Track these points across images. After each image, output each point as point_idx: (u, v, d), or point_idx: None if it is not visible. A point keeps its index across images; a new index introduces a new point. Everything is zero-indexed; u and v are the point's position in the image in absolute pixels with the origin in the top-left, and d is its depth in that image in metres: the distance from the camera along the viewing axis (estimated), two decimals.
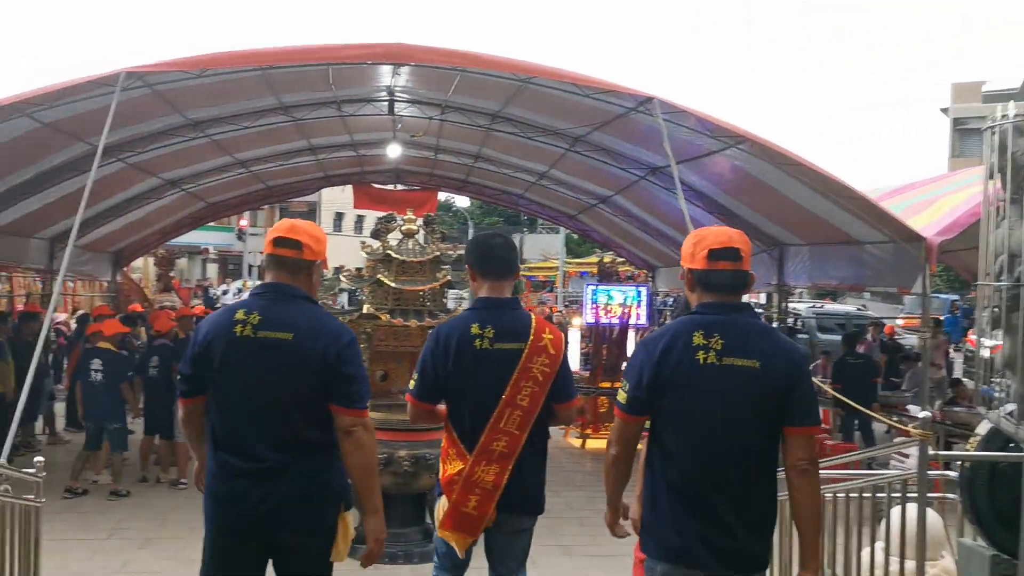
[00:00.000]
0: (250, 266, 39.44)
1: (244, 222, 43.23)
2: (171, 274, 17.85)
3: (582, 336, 15.68)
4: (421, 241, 7.95)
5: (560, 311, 25.14)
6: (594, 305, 13.91)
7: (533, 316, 3.87)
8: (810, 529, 3.04)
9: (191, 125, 10.70)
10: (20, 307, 14.21)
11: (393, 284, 7.50)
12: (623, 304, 13.53)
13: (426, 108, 11.39)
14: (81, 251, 14.35)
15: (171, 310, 15.98)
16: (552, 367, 3.71)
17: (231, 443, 3.27)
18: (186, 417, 3.51)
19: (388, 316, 7.38)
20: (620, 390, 3.16)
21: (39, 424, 12.25)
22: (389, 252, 7.65)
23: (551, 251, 51.35)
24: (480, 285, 3.89)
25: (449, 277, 7.60)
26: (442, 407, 3.86)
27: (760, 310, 14.67)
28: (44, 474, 5.26)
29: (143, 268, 19.09)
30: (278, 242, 3.38)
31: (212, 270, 52.31)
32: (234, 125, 10.91)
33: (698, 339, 2.97)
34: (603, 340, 13.47)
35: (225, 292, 36.42)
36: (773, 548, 3.44)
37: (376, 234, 7.90)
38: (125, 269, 17.05)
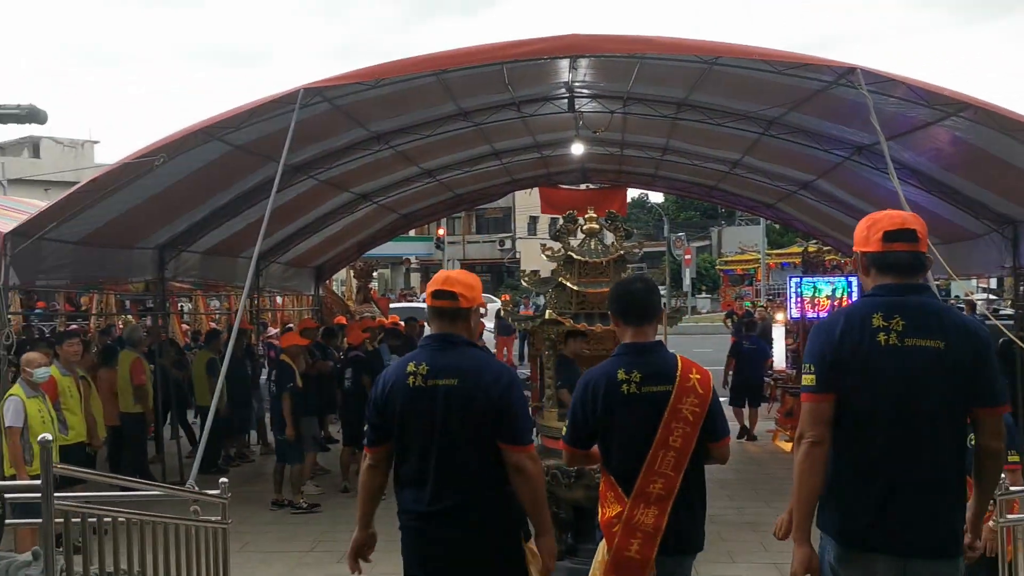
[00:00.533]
0: None
1: (442, 231, 44.39)
2: (370, 285, 18.29)
3: (787, 331, 14.71)
4: (605, 241, 7.53)
5: (762, 305, 23.96)
6: (799, 298, 12.98)
7: (679, 357, 3.79)
8: (983, 509, 3.17)
9: (375, 137, 10.79)
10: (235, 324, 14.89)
11: (575, 287, 7.11)
12: (831, 296, 12.53)
13: (607, 102, 10.96)
14: (284, 267, 14.97)
15: (370, 320, 16.49)
16: (702, 407, 3.66)
17: (415, 485, 3.56)
18: (372, 465, 3.73)
19: (571, 321, 7.00)
20: (804, 375, 3.12)
21: (253, 435, 12.82)
22: (570, 253, 7.28)
23: (750, 243, 49.50)
24: (624, 331, 3.88)
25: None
26: (596, 449, 3.88)
27: (993, 296, 13.14)
28: (229, 495, 5.25)
29: (346, 280, 19.74)
30: (436, 295, 3.61)
31: (415, 279, 54.12)
32: (416, 135, 10.92)
33: (877, 321, 2.95)
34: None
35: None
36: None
37: (557, 235, 7.55)
38: (327, 283, 17.67)
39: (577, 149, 12.79)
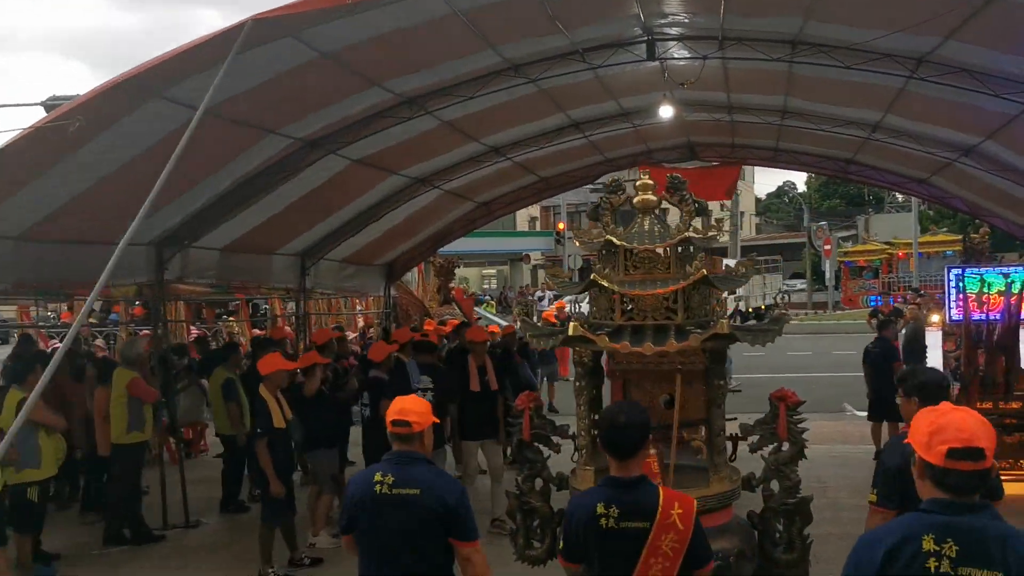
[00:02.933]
0: (570, 269, 37.88)
1: (562, 225, 42.13)
2: (451, 284, 16.29)
3: (945, 335, 11.79)
4: (667, 221, 5.19)
5: (918, 300, 20.44)
6: (961, 295, 10.11)
7: (661, 491, 3.71)
8: None
9: (404, 101, 8.69)
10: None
11: (614, 287, 4.79)
12: (1007, 291, 9.64)
13: (698, 44, 8.49)
14: (340, 265, 13.13)
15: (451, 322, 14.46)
16: (682, 542, 3.60)
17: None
18: (346, 549, 4.43)
19: (608, 338, 4.67)
20: None
21: None
22: (610, 238, 4.95)
23: (902, 232, 45.26)
24: (609, 461, 3.80)
25: (704, 271, 4.71)
26: None
27: None
28: None
29: (418, 279, 17.78)
30: (394, 423, 4.20)
31: (542, 276, 52.00)
32: (455, 96, 8.76)
33: (928, 544, 2.65)
34: (978, 342, 9.64)
35: (541, 298, 35.36)
36: None
37: (596, 213, 5.25)
38: (401, 282, 15.77)
39: (666, 112, 10.28)
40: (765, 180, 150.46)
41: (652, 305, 4.89)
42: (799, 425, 5.05)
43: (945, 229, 39.19)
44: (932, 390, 4.47)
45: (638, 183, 5.19)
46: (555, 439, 5.38)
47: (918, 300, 15.98)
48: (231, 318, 18.07)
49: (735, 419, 5.26)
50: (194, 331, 17.32)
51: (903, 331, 12.63)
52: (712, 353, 4.88)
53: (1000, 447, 8.95)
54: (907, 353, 11.47)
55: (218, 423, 9.93)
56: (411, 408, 4.21)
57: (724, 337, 4.65)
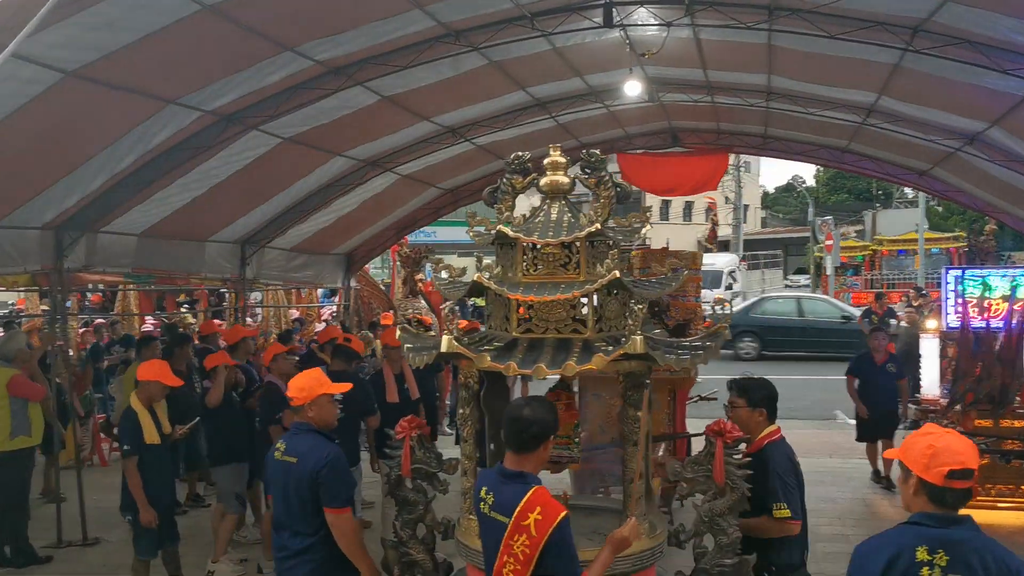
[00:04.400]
0: None
1: None
2: (418, 276, 15.25)
3: (945, 342, 10.73)
4: (579, 210, 4.18)
5: (919, 301, 19.31)
6: (960, 300, 9.06)
7: (531, 491, 3.38)
8: None
9: (329, 71, 7.66)
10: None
11: (502, 291, 3.79)
12: (1011, 296, 8.60)
13: (662, 10, 7.43)
14: (288, 254, 12.12)
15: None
16: (532, 549, 3.33)
17: (276, 531, 4.51)
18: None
19: (489, 357, 3.66)
20: None
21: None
22: (503, 229, 3.94)
23: (911, 228, 44.04)
24: (507, 452, 3.58)
25: (617, 273, 3.68)
26: None
27: None
28: None
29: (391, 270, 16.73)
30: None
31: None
32: (390, 66, 7.73)
33: (922, 554, 2.92)
34: (976, 352, 8.60)
35: None
36: None
37: (493, 197, 4.25)
38: (364, 273, 14.75)
39: (632, 89, 9.20)
40: (774, 174, 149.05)
41: (555, 315, 3.88)
42: (740, 469, 4.02)
43: (957, 230, 37.93)
44: (775, 403, 4.61)
45: (547, 160, 4.18)
46: (442, 476, 4.38)
47: (919, 301, 14.84)
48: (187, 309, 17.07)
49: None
50: (149, 322, 16.36)
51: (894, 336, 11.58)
52: (629, 377, 3.86)
53: (1002, 472, 8.06)
54: (903, 361, 10.40)
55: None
56: (293, 383, 4.49)
57: (640, 357, 3.65)
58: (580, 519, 4.52)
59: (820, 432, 12.56)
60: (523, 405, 3.58)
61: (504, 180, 4.21)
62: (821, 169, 67.51)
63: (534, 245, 3.93)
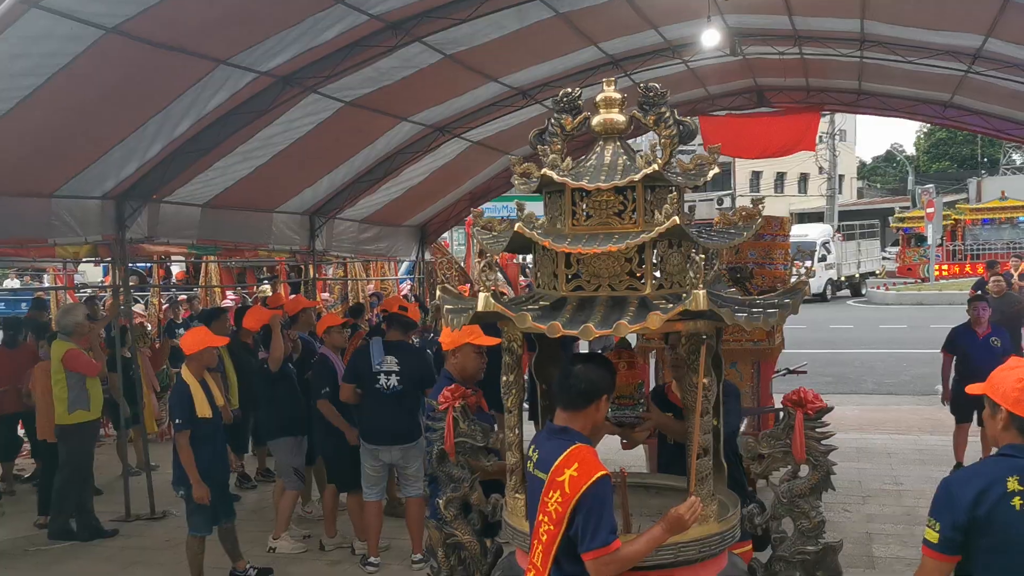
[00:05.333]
0: None
1: None
2: None
3: None
4: (639, 152, 3.68)
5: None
6: None
7: (571, 448, 3.14)
8: None
9: (386, 27, 7.30)
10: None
11: (548, 242, 3.37)
12: None
13: None
14: (360, 226, 11.90)
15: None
16: (564, 506, 3.08)
17: None
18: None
19: (534, 315, 3.25)
20: (928, 529, 3.10)
21: None
22: (548, 173, 3.51)
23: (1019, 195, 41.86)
24: (558, 409, 3.37)
25: (677, 219, 3.20)
26: None
27: None
28: None
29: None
30: None
31: None
32: (449, 19, 7.32)
33: (1013, 484, 2.98)
34: None
35: None
36: None
37: (540, 138, 3.82)
38: (438, 245, 14.46)
39: (710, 39, 8.53)
40: (871, 144, 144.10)
41: (609, 269, 3.43)
42: (824, 441, 3.51)
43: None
44: None
45: (599, 96, 3.70)
46: (488, 453, 3.99)
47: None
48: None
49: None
50: (230, 296, 16.42)
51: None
52: (692, 339, 3.38)
53: None
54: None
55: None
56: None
57: (703, 316, 3.17)
58: (646, 498, 4.09)
59: (919, 408, 11.78)
60: (576, 361, 3.39)
61: (552, 120, 3.76)
62: (922, 136, 64.94)
63: (584, 191, 3.47)
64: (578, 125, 3.73)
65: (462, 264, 15.58)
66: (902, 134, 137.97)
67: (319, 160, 9.58)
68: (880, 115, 12.49)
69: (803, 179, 56.95)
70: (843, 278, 31.81)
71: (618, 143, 3.63)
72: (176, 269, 20.92)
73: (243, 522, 7.87)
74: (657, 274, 3.45)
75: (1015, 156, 57.71)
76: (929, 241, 31.10)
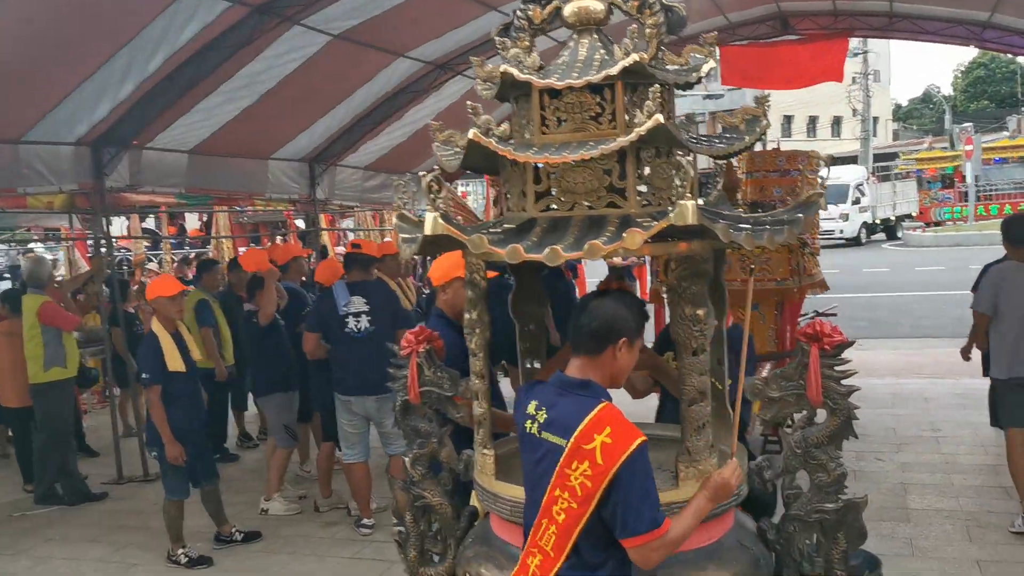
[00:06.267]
0: None
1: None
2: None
3: None
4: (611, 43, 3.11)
5: None
6: None
7: (600, 406, 2.58)
8: None
9: None
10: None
11: (507, 151, 2.85)
12: None
13: None
14: (365, 173, 11.42)
15: None
16: (595, 481, 2.51)
17: None
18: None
19: (492, 238, 2.75)
20: None
21: None
22: (508, 71, 2.98)
23: None
24: (572, 357, 2.78)
25: (661, 118, 2.64)
26: None
27: None
28: None
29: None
30: None
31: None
32: None
33: None
34: None
35: None
36: None
37: (503, 34, 3.28)
38: (450, 189, 13.89)
39: None
40: (907, 87, 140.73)
41: (584, 184, 2.91)
42: (844, 381, 2.97)
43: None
44: None
45: None
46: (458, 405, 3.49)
47: None
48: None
49: None
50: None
51: None
52: (684, 263, 2.85)
53: None
54: None
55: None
56: (438, 262, 4.70)
57: (693, 234, 2.65)
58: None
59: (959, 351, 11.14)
60: (592, 297, 2.85)
61: (519, 12, 3.20)
62: (959, 74, 62.93)
63: (554, 91, 2.93)
64: (549, 16, 3.17)
65: (481, 218, 15.02)
66: (939, 75, 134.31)
67: (312, 102, 9.05)
68: (913, 39, 11.69)
69: (836, 122, 55.51)
70: (878, 221, 30.84)
71: (595, 35, 3.08)
72: (191, 226, 20.62)
73: (241, 482, 7.59)
74: (643, 189, 2.93)
75: None
76: (969, 180, 29.98)
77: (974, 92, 61.01)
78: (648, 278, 9.60)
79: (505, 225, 2.99)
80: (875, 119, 52.12)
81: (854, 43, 36.00)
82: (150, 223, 18.77)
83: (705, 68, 3.06)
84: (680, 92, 3.26)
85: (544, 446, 2.67)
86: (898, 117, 68.83)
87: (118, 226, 19.19)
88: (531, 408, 2.74)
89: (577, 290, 16.79)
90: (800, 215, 2.93)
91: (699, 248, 2.80)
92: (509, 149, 2.85)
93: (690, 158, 2.55)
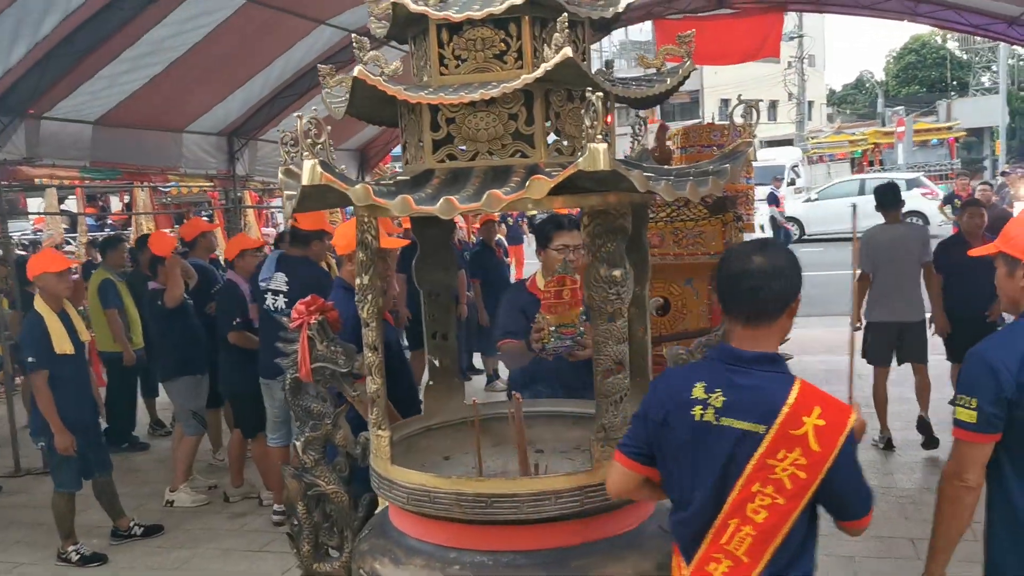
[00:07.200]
0: None
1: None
2: None
3: None
4: None
5: (1001, 175, 17.30)
6: None
7: (799, 385, 2.25)
8: None
9: None
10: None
11: (397, 91, 2.51)
12: None
13: None
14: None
15: None
16: (812, 472, 2.20)
17: None
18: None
19: (373, 191, 2.40)
20: (962, 409, 2.75)
21: None
22: (402, 2, 2.63)
23: (988, 119, 41.35)
24: (730, 327, 2.39)
25: (569, 51, 2.32)
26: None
27: None
28: None
29: None
30: None
31: None
32: None
33: None
34: None
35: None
36: None
37: None
38: (379, 169, 13.46)
39: None
40: (840, 71, 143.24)
41: (487, 131, 2.58)
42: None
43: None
44: None
45: None
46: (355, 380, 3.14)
47: (1005, 176, 13.02)
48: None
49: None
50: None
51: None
52: (599, 218, 2.54)
53: None
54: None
55: (97, 337, 7.84)
56: (342, 229, 4.27)
57: (607, 184, 2.34)
58: (563, 430, 3.32)
59: None
60: (751, 250, 2.37)
61: None
62: (891, 60, 64.01)
63: (454, 26, 2.59)
64: None
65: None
66: (872, 61, 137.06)
67: (227, 71, 8.55)
68: (847, 13, 11.59)
69: (772, 106, 56.04)
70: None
71: None
72: (115, 207, 19.87)
73: (148, 472, 7.14)
74: (553, 137, 2.62)
75: (983, 78, 57.04)
76: (900, 161, 30.43)
77: (905, 77, 62.04)
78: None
79: (399, 177, 2.66)
80: (810, 103, 52.75)
81: (789, 27, 36.32)
82: (71, 204, 18.00)
83: (623, 3, 2.75)
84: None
85: (726, 434, 2.28)
86: (832, 102, 69.84)
87: (35, 206, 18.41)
88: (698, 391, 2.32)
89: (513, 269, 16.43)
90: (727, 165, 2.65)
91: (614, 202, 2.50)
92: (399, 89, 2.52)
93: (602, 95, 2.24)
